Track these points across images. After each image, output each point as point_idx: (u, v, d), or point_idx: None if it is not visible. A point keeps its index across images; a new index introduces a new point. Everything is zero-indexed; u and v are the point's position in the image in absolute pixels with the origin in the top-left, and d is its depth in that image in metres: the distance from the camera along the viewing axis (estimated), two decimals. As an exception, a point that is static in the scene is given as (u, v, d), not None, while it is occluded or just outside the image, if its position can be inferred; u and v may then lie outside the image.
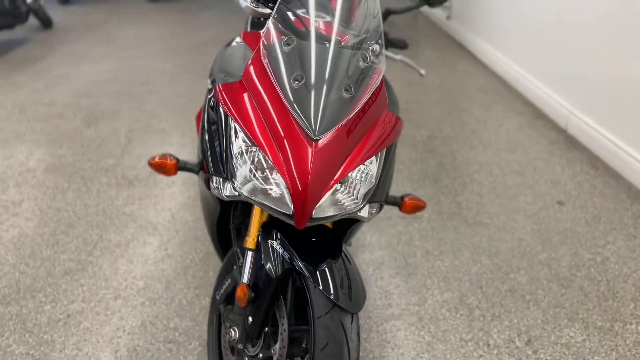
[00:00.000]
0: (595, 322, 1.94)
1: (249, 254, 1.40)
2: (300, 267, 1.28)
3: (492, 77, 4.50)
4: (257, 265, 1.38)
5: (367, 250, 2.34)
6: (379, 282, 2.14)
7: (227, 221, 1.68)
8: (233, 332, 1.41)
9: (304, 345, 1.46)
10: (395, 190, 2.77)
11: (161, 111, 3.77)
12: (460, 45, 5.45)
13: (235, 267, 1.51)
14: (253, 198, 1.26)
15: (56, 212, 2.59)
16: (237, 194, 1.29)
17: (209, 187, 1.39)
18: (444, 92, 4.16)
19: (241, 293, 1.35)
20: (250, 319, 1.38)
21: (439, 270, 2.21)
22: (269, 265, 1.34)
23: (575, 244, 2.37)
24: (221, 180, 1.32)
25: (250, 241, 1.41)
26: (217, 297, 1.54)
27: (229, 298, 1.52)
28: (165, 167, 1.42)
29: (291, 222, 1.23)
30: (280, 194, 1.22)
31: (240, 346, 1.42)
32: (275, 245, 1.35)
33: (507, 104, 3.92)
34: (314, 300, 1.27)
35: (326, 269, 1.30)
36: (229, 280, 1.50)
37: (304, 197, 1.19)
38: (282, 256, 1.33)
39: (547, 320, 1.95)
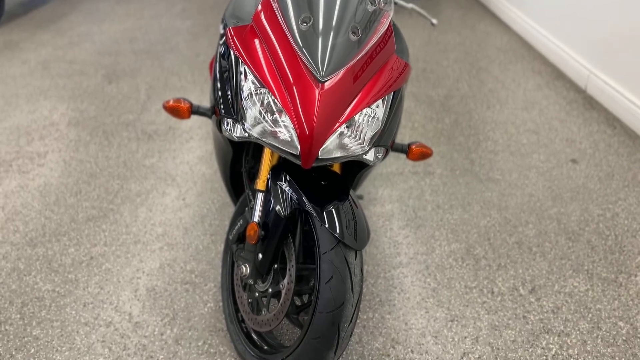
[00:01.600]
0: (600, 274, 1.97)
1: (259, 195, 1.46)
2: (308, 207, 1.34)
3: (513, 37, 4.42)
4: (267, 206, 1.45)
5: (378, 203, 2.39)
6: (389, 233, 2.20)
7: (239, 166, 1.74)
8: (244, 269, 1.49)
9: (311, 284, 1.54)
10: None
11: (180, 69, 3.82)
12: (482, 5, 5.35)
13: (247, 209, 1.58)
14: (263, 139, 1.31)
15: (79, 163, 2.69)
16: (247, 135, 1.34)
17: (220, 130, 1.44)
18: (464, 51, 4.12)
19: (251, 231, 1.42)
20: (260, 256, 1.45)
21: (448, 223, 2.25)
22: (278, 205, 1.40)
23: (586, 200, 2.39)
24: (232, 122, 1.37)
25: (261, 183, 1.46)
26: (230, 238, 1.61)
27: (241, 238, 1.59)
28: (179, 110, 1.47)
29: (298, 162, 1.28)
30: (289, 136, 1.27)
31: (250, 281, 1.50)
32: (284, 187, 1.41)
33: (526, 64, 3.87)
34: (320, 238, 1.33)
35: (333, 209, 1.35)
36: (241, 221, 1.57)
37: (310, 138, 1.24)
38: (291, 197, 1.38)
39: (552, 271, 1.99)
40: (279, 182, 1.42)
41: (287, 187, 1.40)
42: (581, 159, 2.70)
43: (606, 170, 2.60)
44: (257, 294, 1.53)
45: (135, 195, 2.44)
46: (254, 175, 1.70)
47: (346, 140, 1.31)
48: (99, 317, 1.80)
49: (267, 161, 1.48)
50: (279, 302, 1.45)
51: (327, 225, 1.31)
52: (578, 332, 1.73)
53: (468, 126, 3.03)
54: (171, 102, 1.47)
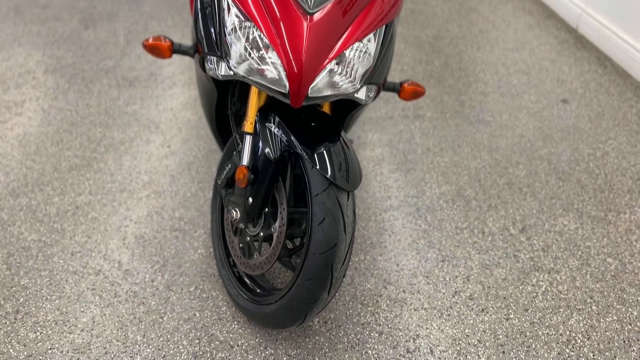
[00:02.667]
0: (589, 212, 1.98)
1: (247, 138, 1.42)
2: (298, 149, 1.30)
3: (504, -24, 4.30)
4: (256, 149, 1.40)
5: (368, 147, 2.35)
6: (379, 177, 2.17)
7: (225, 108, 1.68)
8: (235, 213, 1.46)
9: (302, 227, 1.52)
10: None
11: (159, 13, 3.66)
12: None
13: (235, 152, 1.54)
14: (249, 78, 1.25)
15: (59, 111, 2.60)
16: (232, 73, 1.28)
17: (204, 69, 1.38)
18: (453, -9, 4.00)
19: (240, 175, 1.38)
20: (250, 199, 1.42)
21: (438, 166, 2.23)
22: (267, 148, 1.35)
23: (576, 140, 2.37)
24: (216, 60, 1.31)
25: (248, 125, 1.41)
26: (219, 182, 1.57)
27: (230, 182, 1.55)
28: (159, 48, 1.40)
29: (287, 101, 1.23)
30: (276, 74, 1.21)
31: (241, 226, 1.47)
32: (273, 129, 1.36)
33: (517, 4, 3.77)
34: (311, 180, 1.30)
35: (324, 151, 1.32)
36: (230, 166, 1.53)
37: (299, 76, 1.18)
38: (280, 139, 1.34)
39: (543, 210, 1.99)
40: (267, 124, 1.38)
41: (276, 129, 1.36)
42: (572, 99, 2.67)
43: (596, 110, 2.58)
44: (248, 238, 1.51)
45: (118, 143, 2.37)
46: (240, 117, 1.65)
47: (336, 78, 1.26)
48: (88, 266, 1.78)
49: (254, 102, 1.42)
50: (270, 245, 1.43)
51: (318, 167, 1.28)
52: (567, 269, 1.75)
53: (458, 68, 2.96)
54: (151, 41, 1.40)
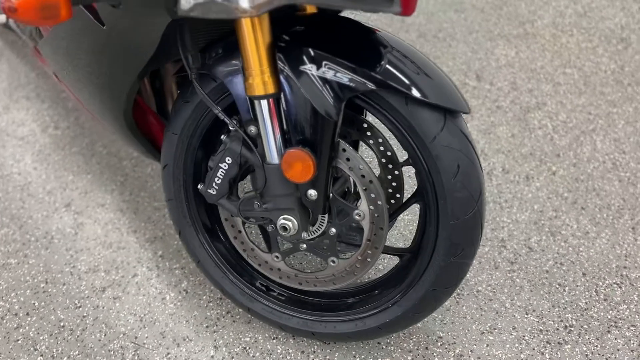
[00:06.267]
0: (511, 32, 1.87)
1: (264, 104, 0.83)
2: (377, 83, 0.80)
3: None
4: (293, 116, 0.84)
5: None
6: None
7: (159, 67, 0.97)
8: (291, 224, 0.90)
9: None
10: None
11: None
12: None
13: (224, 137, 0.91)
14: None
15: None
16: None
17: (171, 12, 0.70)
18: None
19: (297, 165, 0.83)
20: (313, 192, 0.87)
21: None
22: (321, 105, 0.82)
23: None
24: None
25: (258, 84, 0.81)
26: (212, 192, 0.94)
27: (232, 187, 0.94)
28: (51, 4, 0.65)
29: (392, 9, 0.70)
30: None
31: (304, 235, 0.93)
32: (314, 71, 0.81)
33: None
34: (412, 120, 0.84)
35: (393, 67, 0.84)
36: (229, 160, 0.90)
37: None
38: (338, 83, 0.81)
39: (474, 50, 1.81)
40: (302, 67, 0.81)
41: (323, 69, 0.81)
42: None
43: None
44: (304, 246, 0.97)
45: None
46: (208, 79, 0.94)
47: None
48: None
49: (251, 42, 0.80)
50: (358, 238, 0.95)
51: (421, 96, 0.82)
52: (548, 97, 1.63)
53: None
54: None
